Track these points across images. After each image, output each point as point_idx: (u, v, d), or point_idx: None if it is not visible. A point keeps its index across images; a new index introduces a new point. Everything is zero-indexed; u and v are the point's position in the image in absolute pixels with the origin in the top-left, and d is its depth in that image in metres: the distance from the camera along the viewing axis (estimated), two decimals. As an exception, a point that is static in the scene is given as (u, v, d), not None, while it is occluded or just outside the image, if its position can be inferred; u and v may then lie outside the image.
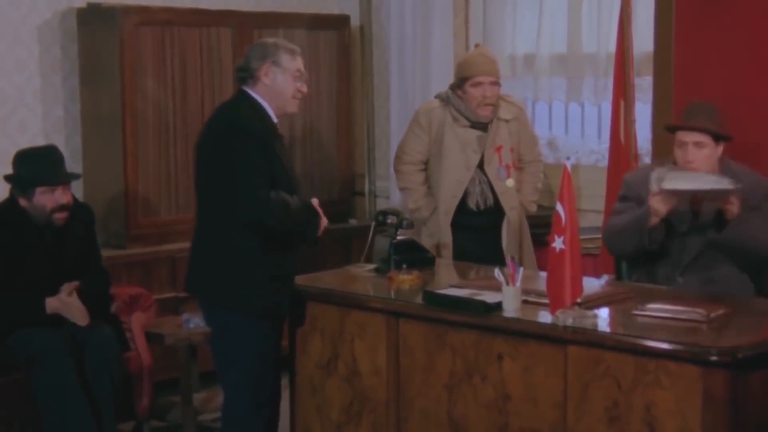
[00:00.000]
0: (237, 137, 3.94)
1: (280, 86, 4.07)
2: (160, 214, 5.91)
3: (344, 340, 4.03)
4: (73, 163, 5.95)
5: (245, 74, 4.08)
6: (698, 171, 4.18)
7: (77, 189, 5.94)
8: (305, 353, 4.16)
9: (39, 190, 4.70)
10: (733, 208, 4.11)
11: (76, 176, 4.98)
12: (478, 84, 5.03)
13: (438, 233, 5.13)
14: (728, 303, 3.69)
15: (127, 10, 5.77)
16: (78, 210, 4.88)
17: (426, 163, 5.24)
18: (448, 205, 5.11)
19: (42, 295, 4.66)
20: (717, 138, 4.23)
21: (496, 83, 5.06)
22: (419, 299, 3.89)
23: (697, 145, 4.21)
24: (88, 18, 5.87)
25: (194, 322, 5.07)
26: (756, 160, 5.03)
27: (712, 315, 3.47)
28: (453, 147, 5.10)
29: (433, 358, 3.79)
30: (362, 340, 3.98)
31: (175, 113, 5.94)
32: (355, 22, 6.85)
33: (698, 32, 5.03)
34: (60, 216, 4.73)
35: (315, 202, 4.12)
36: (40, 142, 5.83)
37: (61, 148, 5.85)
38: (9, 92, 5.77)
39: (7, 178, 4.81)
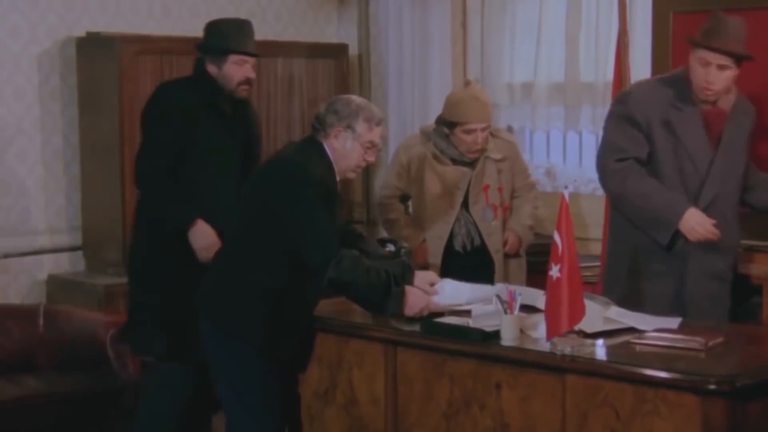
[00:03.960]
0: (308, 189, 3.83)
1: (348, 152, 3.93)
2: (159, 242, 5.90)
3: (342, 369, 4.02)
4: (71, 192, 5.97)
5: (319, 126, 3.96)
6: (716, 94, 4.10)
7: (75, 215, 5.96)
8: (303, 382, 4.14)
9: (231, 58, 4.64)
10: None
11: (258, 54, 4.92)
12: (471, 131, 4.87)
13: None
14: (727, 331, 3.68)
15: (127, 39, 5.79)
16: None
17: (407, 198, 5.18)
18: (435, 247, 5.00)
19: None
20: (739, 59, 4.07)
21: (487, 128, 4.92)
22: (417, 328, 3.88)
23: (721, 68, 4.04)
24: (87, 47, 5.89)
25: (195, 350, 5.05)
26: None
27: (711, 343, 3.46)
28: (435, 186, 4.98)
29: (432, 387, 3.77)
30: (360, 369, 3.97)
31: (174, 142, 5.94)
32: (353, 51, 6.88)
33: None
34: (245, 89, 4.69)
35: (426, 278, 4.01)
36: (38, 170, 5.86)
37: (60, 176, 5.93)
38: (8, 121, 5.78)
39: (200, 45, 4.75)
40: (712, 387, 3.15)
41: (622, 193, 4.30)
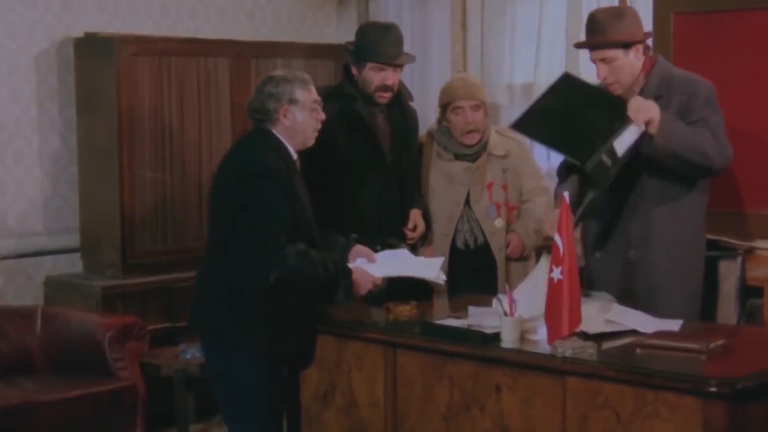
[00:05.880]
0: (259, 181, 3.81)
1: (302, 124, 3.94)
2: (157, 244, 5.89)
3: (341, 371, 4.01)
4: (69, 193, 5.95)
5: (263, 117, 3.93)
6: (620, 86, 4.10)
7: (73, 216, 5.95)
8: (302, 384, 4.13)
9: (369, 65, 4.70)
10: (651, 128, 3.96)
11: (410, 59, 4.89)
12: (458, 109, 4.87)
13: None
14: (727, 333, 3.67)
15: (125, 39, 5.77)
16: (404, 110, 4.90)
17: None
18: (441, 244, 4.96)
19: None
20: (626, 45, 4.08)
21: (479, 107, 4.88)
22: (417, 330, 3.86)
23: (604, 61, 4.09)
24: (85, 48, 5.87)
25: (191, 353, 5.05)
26: (756, 189, 5.03)
27: (711, 345, 3.45)
28: (439, 183, 4.96)
29: (431, 390, 3.76)
30: (360, 371, 3.96)
31: (172, 143, 5.93)
32: (352, 51, 6.86)
33: (696, 62, 5.04)
34: (382, 95, 4.73)
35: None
36: (36, 172, 5.84)
37: (57, 177, 5.91)
38: (5, 122, 5.77)
39: (347, 47, 4.85)
40: (713, 389, 3.14)
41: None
